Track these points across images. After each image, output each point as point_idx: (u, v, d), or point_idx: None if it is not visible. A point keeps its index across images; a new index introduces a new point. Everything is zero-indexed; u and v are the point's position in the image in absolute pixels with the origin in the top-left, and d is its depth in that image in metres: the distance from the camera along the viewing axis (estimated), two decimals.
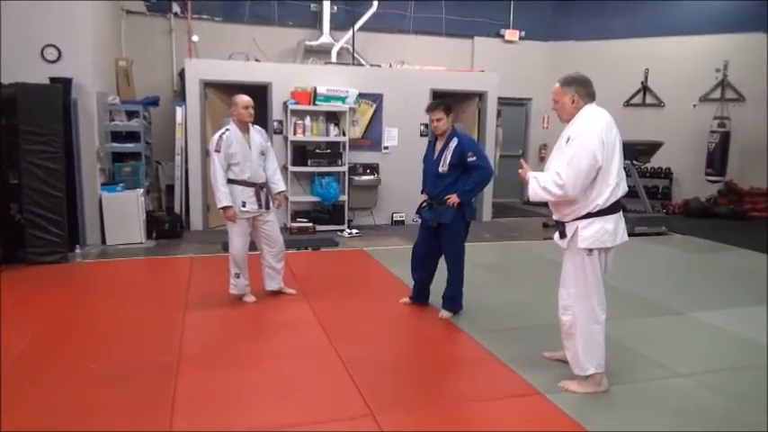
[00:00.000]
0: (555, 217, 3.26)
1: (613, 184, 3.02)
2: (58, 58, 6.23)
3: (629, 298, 5.02)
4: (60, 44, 6.23)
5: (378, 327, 4.21)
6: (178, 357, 3.61)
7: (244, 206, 4.45)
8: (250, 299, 4.70)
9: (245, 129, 4.49)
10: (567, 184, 3.00)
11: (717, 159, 9.80)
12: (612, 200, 3.04)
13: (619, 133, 3.12)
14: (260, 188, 4.53)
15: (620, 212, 3.13)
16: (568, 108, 3.14)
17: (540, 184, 3.12)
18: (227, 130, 4.44)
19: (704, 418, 3.01)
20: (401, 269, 5.82)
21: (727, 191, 10.03)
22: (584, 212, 3.05)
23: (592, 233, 3.04)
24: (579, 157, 2.98)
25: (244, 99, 4.48)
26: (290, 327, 4.27)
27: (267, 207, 4.60)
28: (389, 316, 4.49)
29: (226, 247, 6.65)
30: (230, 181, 4.44)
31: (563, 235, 3.18)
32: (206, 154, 7.75)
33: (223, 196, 4.36)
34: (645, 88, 10.52)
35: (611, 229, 3.05)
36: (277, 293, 4.84)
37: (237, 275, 4.63)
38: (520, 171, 3.31)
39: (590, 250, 3.08)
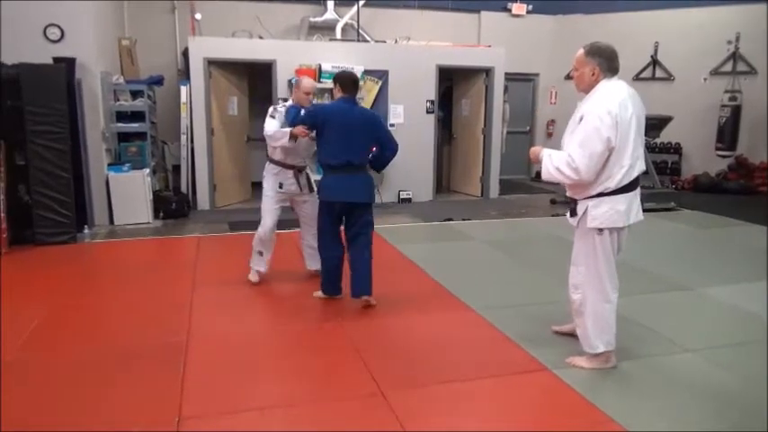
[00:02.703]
0: (568, 194, 3.21)
1: (627, 166, 2.93)
2: (61, 38, 6.18)
3: (638, 274, 4.99)
4: (63, 23, 6.16)
5: (386, 305, 4.20)
6: (187, 337, 3.63)
7: (281, 187, 4.43)
8: (253, 278, 4.63)
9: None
10: (580, 167, 2.91)
11: (727, 134, 9.66)
12: (626, 181, 2.95)
13: (642, 109, 3.04)
14: (299, 171, 4.47)
15: (635, 191, 3.04)
16: (587, 79, 3.04)
17: (553, 164, 3.03)
18: (286, 107, 4.37)
19: (712, 394, 3.01)
20: (409, 247, 5.83)
21: (737, 166, 9.91)
22: (594, 193, 2.99)
23: (601, 213, 2.99)
24: (592, 139, 2.88)
25: (307, 85, 4.38)
26: (299, 306, 4.27)
27: (311, 189, 4.54)
28: (397, 294, 4.49)
29: (233, 227, 6.70)
30: (273, 162, 4.42)
31: (573, 213, 3.14)
32: (211, 133, 7.75)
33: (281, 132, 4.22)
34: (654, 62, 10.34)
35: (623, 209, 2.98)
36: (295, 277, 4.76)
37: (261, 254, 4.58)
38: (532, 152, 3.22)
39: (600, 230, 3.03)
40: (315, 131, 4.07)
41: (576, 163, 2.92)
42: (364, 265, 4.07)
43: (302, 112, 4.23)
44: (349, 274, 4.14)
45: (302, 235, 4.73)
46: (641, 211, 3.11)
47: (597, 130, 2.88)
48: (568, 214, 3.22)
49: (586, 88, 3.06)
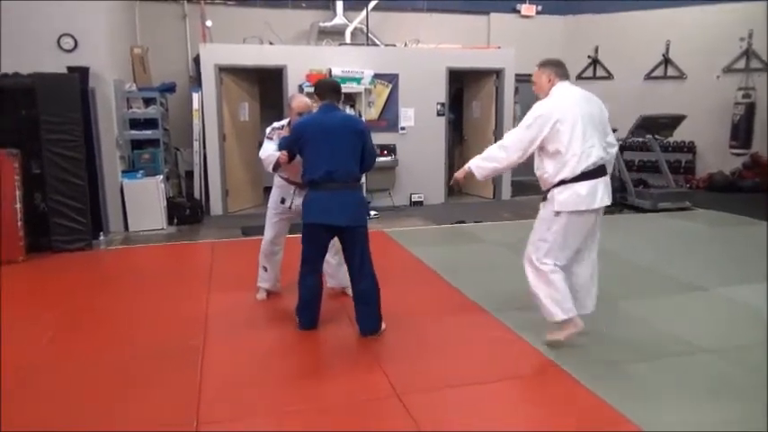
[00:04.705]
0: (543, 188, 3.53)
1: (578, 154, 3.28)
2: (75, 47, 6.27)
3: (653, 275, 4.96)
4: (76, 33, 6.25)
5: (400, 309, 4.18)
6: (204, 341, 3.65)
7: (282, 202, 4.24)
8: (260, 296, 4.46)
9: None
10: (509, 146, 3.45)
11: (741, 131, 9.58)
12: (580, 168, 3.28)
13: (598, 105, 3.46)
14: (301, 188, 4.07)
15: (599, 179, 3.34)
16: (545, 87, 3.50)
17: (481, 157, 3.57)
18: (283, 127, 4.10)
19: (730, 394, 2.98)
20: (421, 249, 5.83)
21: (752, 164, 9.80)
22: (557, 181, 3.35)
23: (565, 197, 3.33)
24: (526, 128, 3.38)
25: (299, 104, 4.01)
26: None
27: None
28: (411, 298, 4.48)
29: (246, 232, 6.74)
30: (278, 174, 4.20)
31: (545, 199, 3.49)
32: (223, 139, 7.81)
33: (271, 156, 3.89)
34: (666, 60, 10.27)
35: (584, 194, 3.30)
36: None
37: (265, 269, 4.41)
38: (455, 177, 3.72)
39: (558, 212, 3.35)
40: (298, 150, 3.66)
41: (507, 141, 3.48)
42: (375, 301, 3.69)
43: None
44: (354, 309, 3.77)
45: None
46: (608, 197, 3.41)
47: (531, 125, 3.37)
48: (542, 201, 3.55)
49: (546, 95, 3.50)
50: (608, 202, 3.41)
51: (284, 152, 3.74)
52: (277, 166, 3.89)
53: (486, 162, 3.54)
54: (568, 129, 3.28)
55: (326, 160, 3.49)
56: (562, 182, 3.32)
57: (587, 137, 3.30)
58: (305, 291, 3.76)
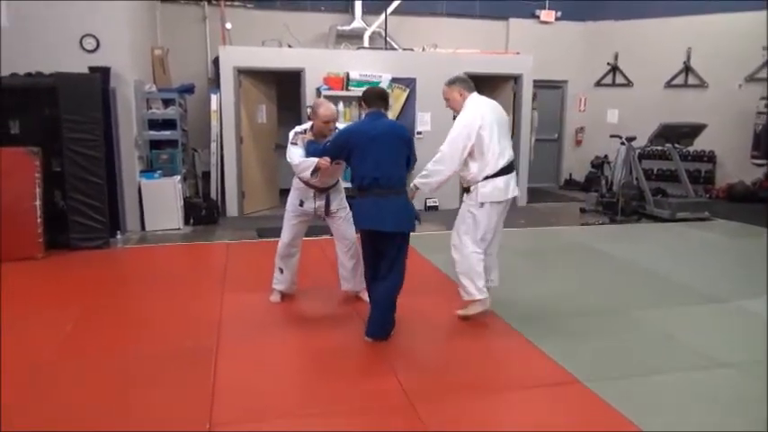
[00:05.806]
0: (466, 185, 3.98)
1: (497, 154, 3.84)
2: (97, 48, 6.34)
3: (672, 285, 4.89)
4: (98, 34, 6.32)
5: (415, 316, 4.16)
6: (217, 341, 3.66)
7: (301, 205, 4.22)
8: (274, 298, 4.45)
9: (322, 140, 4.00)
10: (444, 158, 3.84)
11: (763, 141, 9.42)
12: (500, 165, 3.85)
13: (502, 114, 3.99)
14: (320, 191, 4.16)
15: (511, 174, 3.94)
16: (458, 101, 3.95)
17: (423, 175, 3.92)
18: (305, 131, 4.04)
19: (749, 409, 2.92)
20: (437, 255, 5.80)
21: None
22: (481, 178, 3.86)
23: (487, 190, 3.86)
24: (455, 138, 3.82)
25: (326, 113, 3.97)
26: (329, 316, 4.27)
27: (326, 213, 4.21)
28: (426, 305, 4.45)
29: (261, 234, 6.76)
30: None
31: (468, 191, 3.95)
32: (240, 141, 7.85)
33: (307, 161, 3.88)
34: (687, 68, 10.15)
35: (502, 187, 3.88)
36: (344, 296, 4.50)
37: (281, 271, 4.41)
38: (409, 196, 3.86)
39: (482, 204, 3.87)
40: (345, 158, 3.73)
41: (440, 155, 3.86)
42: (385, 308, 3.68)
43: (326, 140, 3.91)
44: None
45: (336, 252, 4.46)
46: (517, 188, 4.04)
47: (460, 134, 3.82)
48: (465, 194, 4.01)
49: (459, 108, 3.94)
50: (517, 193, 4.07)
51: (326, 158, 3.77)
52: (315, 172, 3.87)
53: (429, 178, 3.92)
54: (488, 133, 3.81)
55: (373, 168, 3.54)
56: (486, 177, 3.85)
57: (500, 139, 3.88)
58: (372, 302, 3.81)
